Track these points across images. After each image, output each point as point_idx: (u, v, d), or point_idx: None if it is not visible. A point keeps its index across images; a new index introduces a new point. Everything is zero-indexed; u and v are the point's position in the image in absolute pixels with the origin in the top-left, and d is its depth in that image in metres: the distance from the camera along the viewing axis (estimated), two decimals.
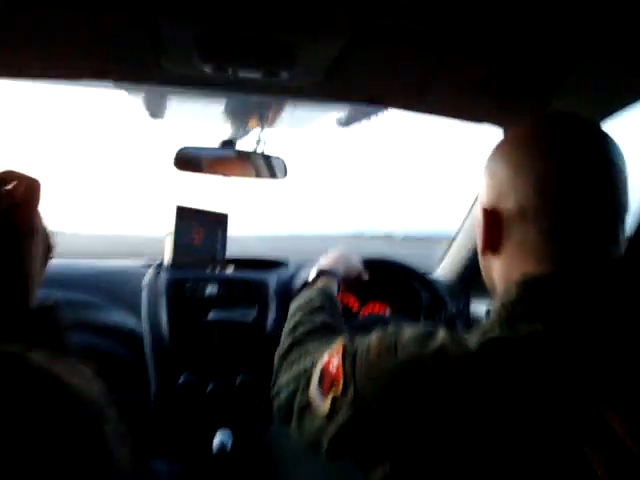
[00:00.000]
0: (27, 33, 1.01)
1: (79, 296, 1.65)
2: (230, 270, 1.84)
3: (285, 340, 1.06)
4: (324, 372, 0.82)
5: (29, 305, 0.68)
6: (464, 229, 1.90)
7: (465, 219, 1.89)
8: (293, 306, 1.17)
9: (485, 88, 1.22)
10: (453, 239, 1.98)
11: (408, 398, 0.70)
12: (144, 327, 1.63)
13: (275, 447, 1.49)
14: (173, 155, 1.59)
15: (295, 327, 1.07)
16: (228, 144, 1.65)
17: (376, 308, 1.80)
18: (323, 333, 1.02)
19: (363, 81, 1.25)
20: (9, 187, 0.68)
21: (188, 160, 1.62)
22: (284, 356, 1.02)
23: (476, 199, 1.78)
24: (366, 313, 1.78)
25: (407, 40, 1.02)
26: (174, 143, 1.60)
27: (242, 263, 1.91)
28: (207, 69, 1.07)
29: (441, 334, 0.73)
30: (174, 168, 1.63)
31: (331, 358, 0.82)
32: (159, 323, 1.63)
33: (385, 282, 1.77)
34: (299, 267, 1.87)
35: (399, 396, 0.71)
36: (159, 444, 1.57)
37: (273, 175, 1.74)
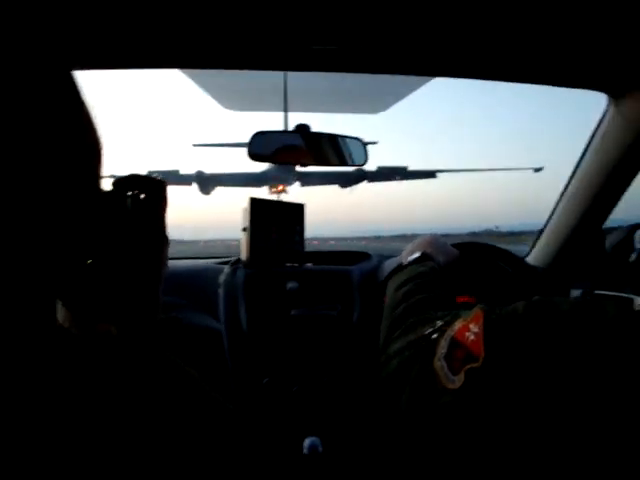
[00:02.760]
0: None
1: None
2: (310, 264, 1.74)
3: (395, 307, 0.98)
4: (455, 341, 0.71)
5: (157, 314, 0.67)
6: (557, 216, 1.79)
7: (556, 206, 1.78)
8: (396, 281, 1.10)
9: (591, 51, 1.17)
10: (544, 227, 1.87)
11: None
12: (222, 326, 1.55)
13: None
14: (248, 142, 1.52)
15: (407, 295, 0.99)
16: (302, 128, 1.55)
17: (465, 299, 1.66)
18: (442, 303, 0.94)
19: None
20: (143, 195, 0.64)
21: (261, 146, 1.54)
22: (396, 322, 0.93)
23: (567, 185, 1.71)
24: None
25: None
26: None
27: (322, 257, 1.81)
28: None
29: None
30: (248, 157, 1.56)
31: (465, 326, 0.71)
32: (238, 321, 1.53)
33: (475, 269, 1.61)
34: (382, 259, 1.74)
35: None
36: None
37: (352, 161, 1.63)
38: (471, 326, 0.72)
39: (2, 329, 0.42)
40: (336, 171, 29.46)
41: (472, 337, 0.70)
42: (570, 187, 1.69)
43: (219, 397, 0.50)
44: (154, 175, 0.65)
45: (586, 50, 1.18)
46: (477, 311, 0.75)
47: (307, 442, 1.36)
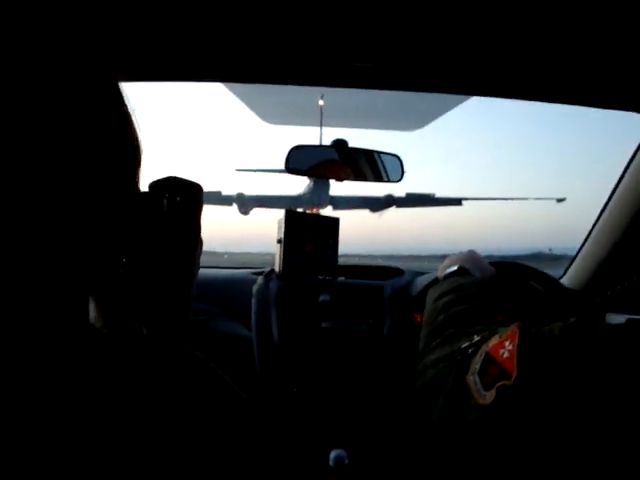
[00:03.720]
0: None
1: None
2: (342, 278, 1.75)
3: (435, 317, 0.98)
4: (489, 357, 0.71)
5: (188, 315, 0.67)
6: (594, 238, 1.74)
7: (593, 228, 1.74)
8: (437, 291, 1.10)
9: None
10: (580, 249, 1.83)
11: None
12: (253, 335, 1.57)
13: None
14: (286, 156, 1.55)
15: (447, 306, 0.99)
16: (339, 142, 1.58)
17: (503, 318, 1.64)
18: (482, 317, 0.93)
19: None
20: (179, 198, 0.65)
21: (298, 160, 1.57)
22: (435, 332, 0.93)
23: (604, 207, 1.67)
24: None
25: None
26: None
27: (355, 271, 1.82)
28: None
29: None
30: (285, 171, 1.59)
31: (500, 343, 0.71)
32: (269, 331, 1.55)
33: (509, 288, 1.59)
34: (415, 275, 1.74)
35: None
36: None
37: (387, 177, 1.65)
38: (506, 343, 0.72)
39: (36, 326, 0.43)
40: (367, 196, 31.55)
41: (506, 354, 0.70)
42: (607, 210, 1.66)
43: (247, 398, 0.49)
44: None
45: (626, 70, 1.17)
46: (513, 329, 0.75)
47: (333, 454, 1.36)
